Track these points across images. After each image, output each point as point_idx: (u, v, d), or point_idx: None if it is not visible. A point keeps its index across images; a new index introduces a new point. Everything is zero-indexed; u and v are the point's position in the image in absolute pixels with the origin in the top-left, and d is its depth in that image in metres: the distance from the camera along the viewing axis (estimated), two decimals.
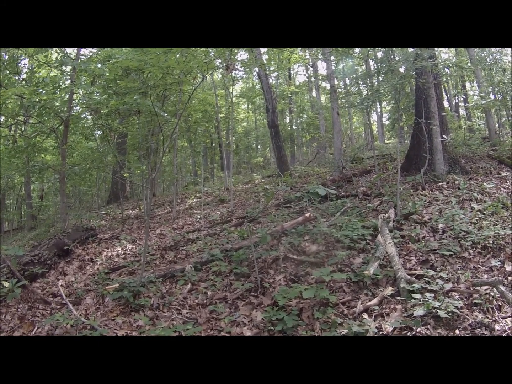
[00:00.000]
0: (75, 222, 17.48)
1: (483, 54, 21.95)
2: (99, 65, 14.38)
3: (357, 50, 19.05)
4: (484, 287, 6.35)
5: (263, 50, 23.81)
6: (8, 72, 16.52)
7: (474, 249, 8.12)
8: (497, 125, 26.00)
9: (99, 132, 18.74)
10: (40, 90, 14.42)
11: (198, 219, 15.49)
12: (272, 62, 25.56)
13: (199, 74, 13.39)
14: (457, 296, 6.37)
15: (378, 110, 37.49)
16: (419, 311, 5.82)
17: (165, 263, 10.29)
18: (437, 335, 5.40)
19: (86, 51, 17.87)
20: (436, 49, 17.16)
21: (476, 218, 9.60)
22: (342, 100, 22.66)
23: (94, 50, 16.54)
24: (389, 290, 6.86)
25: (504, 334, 5.25)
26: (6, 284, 7.86)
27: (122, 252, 11.76)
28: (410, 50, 13.05)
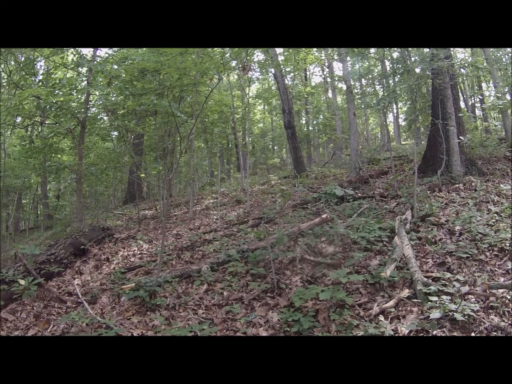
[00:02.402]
0: (91, 222, 17.57)
1: (499, 54, 21.81)
2: (115, 66, 14.43)
3: (372, 50, 19.02)
4: (501, 290, 6.32)
5: (279, 51, 23.83)
6: (24, 73, 16.65)
7: (491, 251, 8.06)
8: None
9: (115, 133, 18.83)
10: (57, 91, 14.49)
11: (214, 220, 15.51)
12: (288, 63, 25.55)
13: (215, 75, 13.41)
14: (474, 299, 6.33)
15: (395, 111, 37.36)
16: (435, 314, 5.80)
17: (181, 263, 10.31)
18: None
19: (102, 53, 17.98)
20: (451, 49, 17.10)
21: (493, 220, 9.53)
22: (359, 101, 22.62)
23: (110, 51, 16.62)
24: (406, 292, 6.83)
25: None
26: (22, 282, 7.91)
27: (138, 252, 11.79)
28: (426, 50, 13.00)
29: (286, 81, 27.09)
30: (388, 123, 38.32)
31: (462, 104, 29.80)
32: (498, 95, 20.59)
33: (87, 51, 20.28)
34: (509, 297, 6.11)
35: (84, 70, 17.00)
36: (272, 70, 24.68)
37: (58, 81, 15.58)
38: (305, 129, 37.40)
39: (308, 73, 40.42)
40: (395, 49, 18.14)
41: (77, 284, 9.41)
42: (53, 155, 19.28)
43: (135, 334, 6.63)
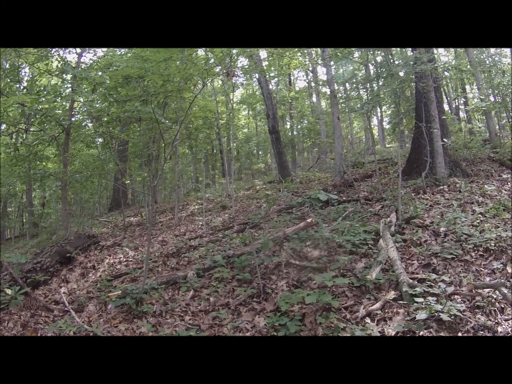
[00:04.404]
0: (77, 230, 17.52)
1: (482, 56, 21.99)
2: (100, 73, 14.42)
3: (356, 54, 19.10)
4: (487, 290, 6.35)
5: (263, 56, 23.90)
6: (9, 80, 16.60)
7: (476, 251, 8.10)
8: (497, 127, 26.04)
9: (100, 140, 18.82)
10: (41, 98, 14.46)
11: (200, 226, 15.49)
12: (272, 68, 25.61)
13: (199, 81, 13.43)
14: (460, 299, 6.36)
15: (379, 114, 37.55)
16: (421, 315, 5.82)
17: (167, 270, 10.30)
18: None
19: (86, 59, 17.98)
20: (435, 52, 17.19)
21: (478, 221, 9.58)
22: (343, 105, 22.69)
23: (95, 58, 16.60)
24: (392, 294, 6.85)
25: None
26: (8, 291, 7.88)
27: (124, 259, 11.77)
28: (410, 54, 13.07)
29: (270, 86, 27.17)
30: (372, 126, 38.44)
31: (446, 107, 30.02)
32: (482, 97, 20.73)
33: (71, 58, 20.28)
34: (495, 296, 6.15)
35: (68, 77, 16.98)
36: (256, 75, 24.70)
37: (42, 88, 15.56)
38: (290, 134, 37.55)
39: (292, 78, 40.53)
40: (379, 53, 18.24)
41: (64, 293, 9.38)
42: (38, 162, 19.24)
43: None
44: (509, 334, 5.26)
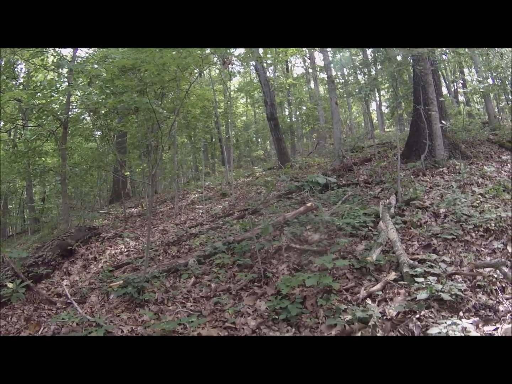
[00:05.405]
0: (78, 223, 17.51)
1: None
2: (96, 66, 14.40)
3: None
4: (487, 269, 6.37)
5: None
6: (5, 77, 16.58)
7: (476, 232, 8.12)
8: (496, 109, 25.99)
9: (98, 133, 18.83)
10: (38, 93, 14.45)
11: (200, 214, 15.52)
12: (269, 55, 25.55)
13: (195, 70, 13.40)
14: (461, 279, 6.38)
15: (377, 98, 37.47)
16: (422, 295, 5.83)
17: (168, 258, 10.32)
18: (441, 318, 5.40)
19: (82, 53, 17.95)
20: None
21: (478, 202, 9.60)
22: (341, 90, 22.65)
23: (90, 51, 16.58)
24: (392, 275, 6.86)
25: (508, 315, 5.26)
26: (10, 285, 7.89)
27: (126, 250, 11.80)
28: None
29: (268, 73, 27.11)
30: (371, 111, 38.40)
31: (444, 90, 29.95)
32: (480, 79, 20.69)
33: (67, 52, 20.25)
34: (495, 275, 6.16)
35: (64, 71, 16.96)
36: (253, 63, 24.65)
37: (39, 83, 15.55)
38: (288, 120, 37.57)
39: (289, 64, 40.50)
40: None
41: (66, 285, 9.42)
42: (37, 158, 19.23)
43: (124, 331, 6.62)
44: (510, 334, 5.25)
